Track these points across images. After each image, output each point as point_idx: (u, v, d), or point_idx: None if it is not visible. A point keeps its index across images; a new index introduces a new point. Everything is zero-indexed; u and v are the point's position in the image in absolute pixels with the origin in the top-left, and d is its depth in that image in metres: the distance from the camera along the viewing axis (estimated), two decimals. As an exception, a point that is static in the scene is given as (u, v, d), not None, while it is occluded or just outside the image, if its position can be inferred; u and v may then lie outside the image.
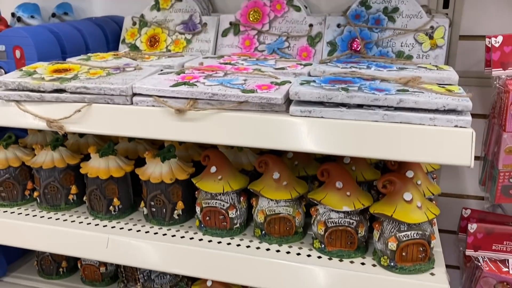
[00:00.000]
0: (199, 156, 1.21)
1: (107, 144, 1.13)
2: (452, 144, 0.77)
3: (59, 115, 0.97)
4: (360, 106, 0.82)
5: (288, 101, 0.88)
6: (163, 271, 1.06)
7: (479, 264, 1.21)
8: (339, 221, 0.96)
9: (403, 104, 0.80)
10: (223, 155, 1.07)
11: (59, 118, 0.97)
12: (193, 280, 1.19)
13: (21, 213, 1.18)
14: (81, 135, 1.30)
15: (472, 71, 1.30)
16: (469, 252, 1.21)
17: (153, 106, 0.92)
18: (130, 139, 1.25)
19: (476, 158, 1.38)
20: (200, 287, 1.15)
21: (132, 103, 0.94)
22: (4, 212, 1.19)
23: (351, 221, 0.96)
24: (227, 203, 1.04)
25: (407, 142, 0.79)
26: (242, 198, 1.06)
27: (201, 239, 1.04)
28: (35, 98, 0.98)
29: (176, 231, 1.08)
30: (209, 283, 1.14)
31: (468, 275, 1.31)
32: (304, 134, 0.84)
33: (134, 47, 1.37)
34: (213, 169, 1.05)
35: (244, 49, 1.30)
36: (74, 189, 1.18)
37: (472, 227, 1.19)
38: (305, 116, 0.84)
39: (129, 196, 1.16)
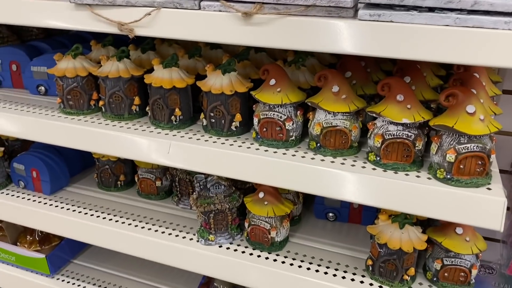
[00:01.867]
0: (256, 75, 1.24)
1: (170, 56, 1.17)
2: (527, 47, 0.75)
3: (129, 19, 1.01)
4: (431, 10, 0.81)
5: (355, 7, 0.88)
6: (220, 175, 1.11)
7: (532, 197, 1.20)
8: (397, 134, 0.97)
9: (477, 7, 0.78)
10: (282, 69, 1.09)
11: (129, 21, 1.01)
12: (245, 193, 1.24)
13: (87, 121, 1.25)
14: (143, 51, 1.35)
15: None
16: (523, 184, 1.20)
17: (220, 11, 0.94)
18: (190, 56, 1.29)
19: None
20: (252, 199, 1.20)
21: (200, 8, 0.96)
22: (72, 119, 1.26)
23: (410, 133, 0.96)
24: (285, 115, 1.07)
25: (479, 47, 0.78)
26: (299, 112, 1.09)
27: (257, 149, 1.08)
28: (106, 2, 1.02)
29: (234, 141, 1.12)
30: (261, 195, 1.18)
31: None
32: (373, 39, 0.84)
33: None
34: (272, 81, 1.07)
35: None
36: (137, 100, 1.24)
37: (529, 159, 1.18)
38: (374, 20, 0.84)
39: (189, 108, 1.21)
